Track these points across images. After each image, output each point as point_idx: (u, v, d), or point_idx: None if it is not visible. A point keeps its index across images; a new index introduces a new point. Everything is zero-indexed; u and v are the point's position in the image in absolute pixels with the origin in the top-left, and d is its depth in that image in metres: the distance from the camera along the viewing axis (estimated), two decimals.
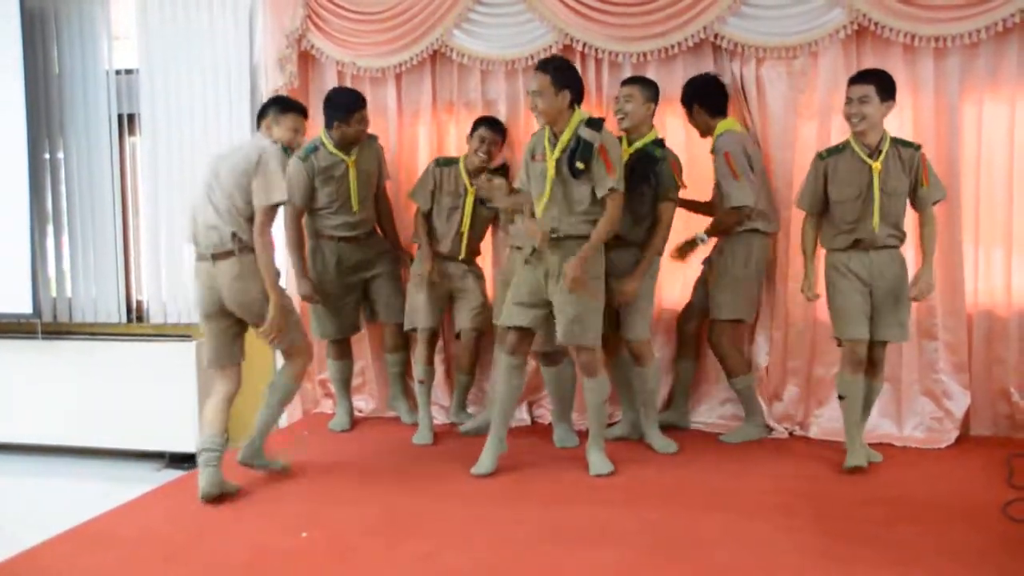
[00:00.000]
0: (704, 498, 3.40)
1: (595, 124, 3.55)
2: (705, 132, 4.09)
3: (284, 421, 4.91)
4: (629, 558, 2.85)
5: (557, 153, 3.55)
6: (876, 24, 3.97)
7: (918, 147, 3.68)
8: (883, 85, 3.59)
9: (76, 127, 5.19)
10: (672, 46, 4.18)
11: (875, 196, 3.60)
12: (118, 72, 5.14)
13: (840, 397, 3.73)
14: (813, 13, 4.05)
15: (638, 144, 3.87)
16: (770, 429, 4.17)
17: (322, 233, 4.33)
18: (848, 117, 3.63)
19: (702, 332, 4.24)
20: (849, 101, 3.61)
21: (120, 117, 5.17)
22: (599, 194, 3.53)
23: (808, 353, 4.21)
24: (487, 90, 4.51)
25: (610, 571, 2.79)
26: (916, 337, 4.10)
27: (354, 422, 4.58)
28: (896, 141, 3.67)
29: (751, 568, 2.77)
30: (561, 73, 3.53)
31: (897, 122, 4.05)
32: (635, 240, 3.89)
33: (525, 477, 3.69)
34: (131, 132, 5.24)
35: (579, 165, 3.49)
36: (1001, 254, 4.08)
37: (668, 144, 4.02)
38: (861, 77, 3.65)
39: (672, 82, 4.27)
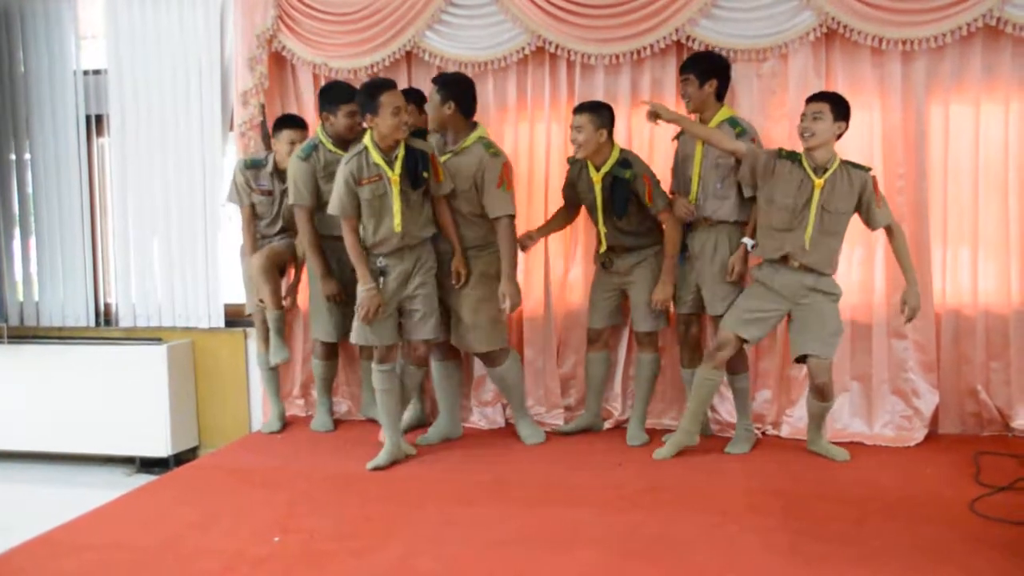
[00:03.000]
0: (678, 499, 3.41)
1: (419, 135, 3.91)
2: (698, 110, 3.99)
3: (258, 423, 4.90)
4: (603, 560, 2.86)
5: (398, 169, 3.74)
6: (844, 27, 4.01)
7: (868, 169, 3.74)
8: (837, 106, 3.66)
9: (43, 128, 5.11)
10: (644, 48, 4.20)
11: (811, 211, 3.66)
12: (86, 72, 5.08)
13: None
14: (783, 16, 4.09)
15: (605, 169, 3.97)
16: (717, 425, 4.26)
17: (326, 234, 4.30)
18: (801, 132, 3.69)
19: (702, 334, 4.21)
20: (803, 117, 3.68)
21: (88, 118, 5.10)
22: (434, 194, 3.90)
23: (779, 354, 4.24)
24: None
25: (584, 573, 2.79)
26: (886, 336, 4.17)
27: (336, 422, 4.58)
28: (846, 163, 3.72)
29: (724, 568, 2.78)
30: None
31: (867, 122, 4.12)
32: (631, 245, 4.10)
33: (499, 479, 3.70)
34: (99, 133, 5.18)
35: (425, 175, 3.79)
36: (968, 254, 4.14)
37: (641, 145, 4.10)
38: (817, 96, 3.72)
39: (642, 84, 4.31)
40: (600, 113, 3.96)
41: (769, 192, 3.74)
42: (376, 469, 3.81)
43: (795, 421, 4.20)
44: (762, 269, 3.83)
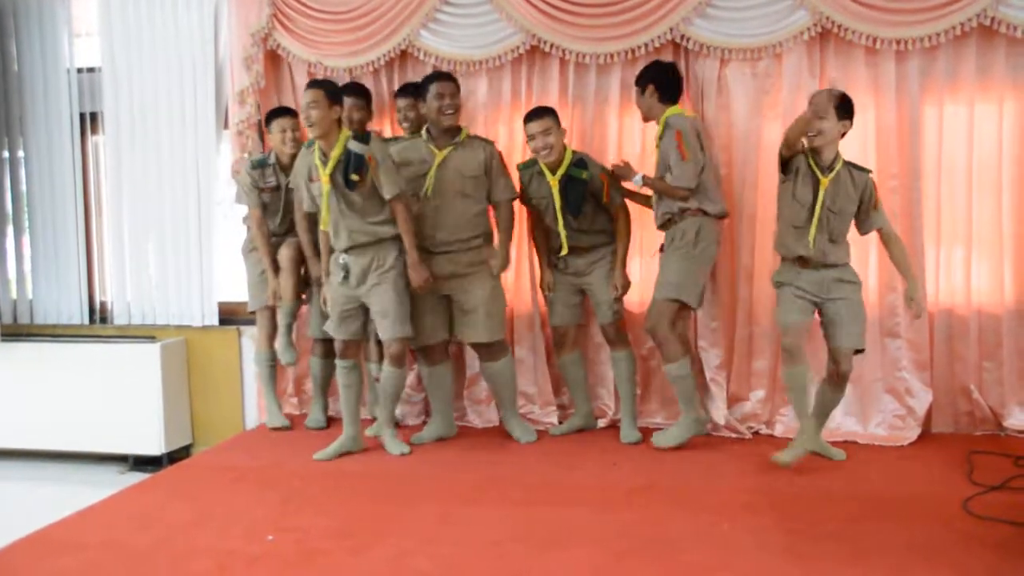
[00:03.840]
0: (672, 498, 3.41)
1: (363, 138, 3.84)
2: (648, 117, 4.07)
3: (252, 421, 4.90)
4: (597, 558, 2.86)
5: (330, 168, 3.81)
6: (839, 26, 4.02)
7: (869, 172, 3.75)
8: (841, 105, 3.64)
9: (37, 126, 5.11)
10: (639, 47, 4.21)
11: (816, 211, 3.66)
12: (80, 70, 5.07)
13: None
14: (777, 15, 4.09)
15: (561, 171, 4.05)
16: (710, 423, 4.17)
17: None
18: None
19: (685, 330, 4.22)
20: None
21: (82, 116, 5.09)
22: (387, 197, 3.87)
23: (773, 353, 4.24)
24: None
25: (579, 571, 2.79)
26: (879, 336, 4.17)
27: (329, 420, 4.59)
28: (849, 164, 3.72)
29: (718, 567, 2.79)
30: (334, 89, 3.86)
31: (861, 122, 4.11)
32: (588, 245, 4.17)
33: (494, 478, 3.70)
34: (94, 131, 5.17)
35: (354, 177, 3.78)
36: (961, 254, 4.14)
37: (632, 145, 4.21)
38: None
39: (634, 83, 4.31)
40: (556, 114, 4.07)
41: (792, 187, 3.72)
42: (323, 459, 3.95)
43: (789, 420, 4.20)
44: (783, 272, 3.80)
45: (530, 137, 4.04)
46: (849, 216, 3.73)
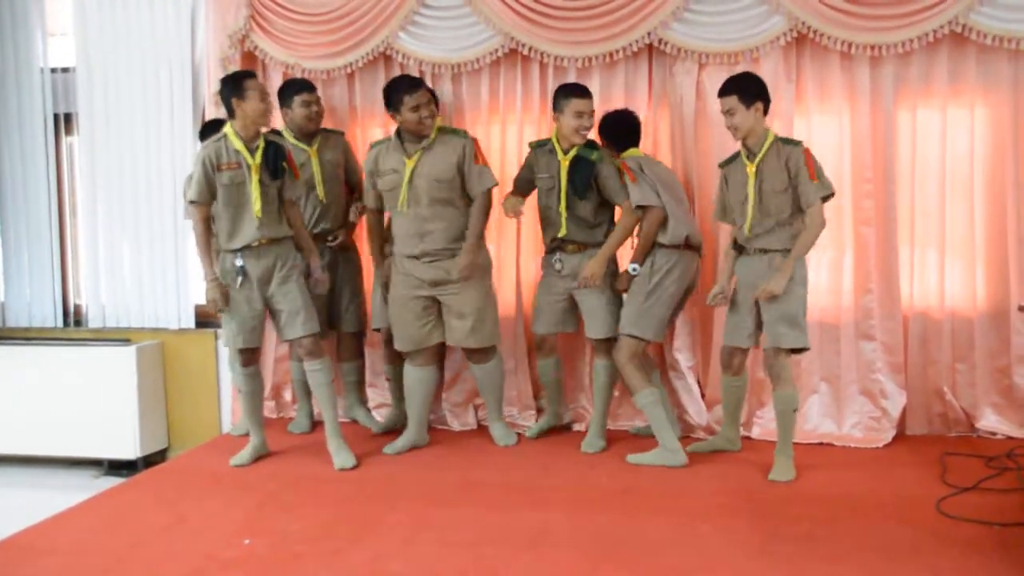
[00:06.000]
0: (648, 500, 3.43)
1: (277, 133, 4.01)
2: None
3: (228, 425, 4.87)
4: (574, 561, 2.87)
5: (258, 158, 3.81)
6: (814, 32, 4.05)
7: (798, 143, 3.70)
8: (745, 92, 3.64)
9: (9, 127, 5.05)
10: (616, 51, 4.23)
11: (750, 197, 3.68)
12: (54, 70, 5.02)
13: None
14: (754, 20, 4.13)
15: (573, 152, 4.00)
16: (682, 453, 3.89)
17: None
18: (728, 128, 3.74)
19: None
20: (723, 114, 3.71)
21: (56, 116, 5.04)
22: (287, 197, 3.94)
23: (751, 357, 4.24)
24: (437, 92, 4.49)
25: (555, 574, 2.80)
26: (854, 338, 4.21)
27: (314, 424, 4.55)
28: (780, 140, 3.71)
29: (694, 569, 2.80)
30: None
31: (836, 126, 4.16)
32: (584, 241, 4.08)
33: (471, 480, 3.70)
34: (68, 132, 5.12)
35: (285, 165, 3.88)
36: (935, 257, 4.19)
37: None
38: (722, 90, 3.70)
39: (615, 87, 4.33)
40: None
41: (727, 182, 3.86)
42: (238, 466, 3.94)
43: (765, 423, 4.23)
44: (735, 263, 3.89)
45: (579, 114, 3.94)
46: (781, 194, 3.65)
